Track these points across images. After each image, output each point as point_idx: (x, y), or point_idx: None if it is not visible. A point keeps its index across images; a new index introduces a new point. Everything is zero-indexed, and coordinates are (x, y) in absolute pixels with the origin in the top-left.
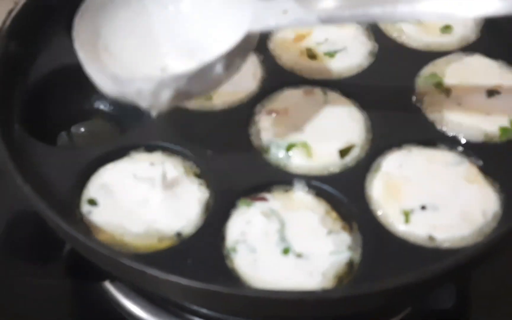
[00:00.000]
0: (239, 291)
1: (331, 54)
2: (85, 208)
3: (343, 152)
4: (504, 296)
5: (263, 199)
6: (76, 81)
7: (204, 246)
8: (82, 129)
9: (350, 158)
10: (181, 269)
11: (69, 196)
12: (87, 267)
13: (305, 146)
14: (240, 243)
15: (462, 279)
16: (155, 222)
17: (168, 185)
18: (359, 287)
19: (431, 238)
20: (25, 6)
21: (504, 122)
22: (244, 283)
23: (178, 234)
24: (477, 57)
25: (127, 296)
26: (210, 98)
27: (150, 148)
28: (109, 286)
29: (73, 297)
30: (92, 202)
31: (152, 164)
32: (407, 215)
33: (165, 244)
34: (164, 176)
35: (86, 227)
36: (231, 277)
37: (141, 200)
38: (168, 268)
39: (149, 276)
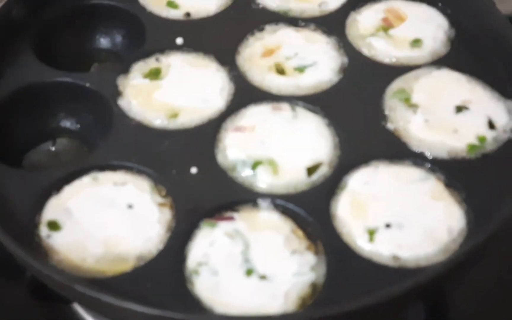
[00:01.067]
0: (194, 317)
1: (300, 69)
2: (45, 231)
3: (311, 170)
4: (478, 310)
5: (230, 218)
6: (42, 100)
7: (165, 269)
8: (51, 148)
9: (317, 176)
10: (140, 294)
11: (29, 219)
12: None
13: (271, 163)
14: (202, 265)
15: (430, 297)
16: (116, 245)
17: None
18: (317, 310)
19: (395, 257)
20: None
21: (472, 138)
22: (205, 307)
23: (139, 257)
24: (446, 71)
25: (96, 317)
26: (176, 115)
27: (114, 168)
28: (77, 307)
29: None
30: (52, 225)
31: (115, 184)
32: (371, 233)
33: (125, 267)
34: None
35: (45, 251)
36: (192, 301)
37: (102, 222)
38: (127, 293)
39: (104, 303)
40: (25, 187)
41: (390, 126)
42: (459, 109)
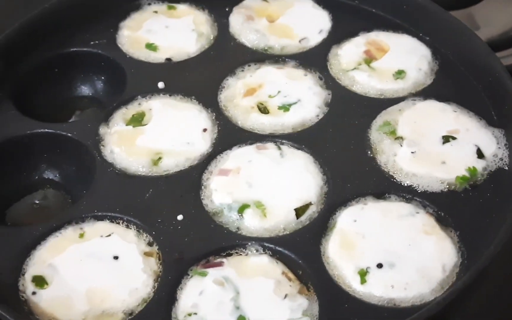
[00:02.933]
0: None
1: (285, 108)
2: (30, 288)
3: (299, 211)
4: None
5: (219, 264)
6: (23, 153)
7: None
8: (34, 202)
9: (306, 216)
10: None
11: (13, 277)
12: None
13: (259, 206)
14: (192, 315)
15: None
16: (103, 300)
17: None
18: None
19: (388, 298)
20: None
21: (461, 170)
22: None
23: (127, 310)
24: (430, 102)
25: None
26: (159, 160)
27: (98, 218)
28: None
29: None
30: (38, 281)
31: (100, 236)
32: (362, 275)
33: None
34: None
35: (30, 309)
36: None
37: (88, 276)
38: None
39: None
40: (8, 244)
41: (377, 160)
42: (446, 139)
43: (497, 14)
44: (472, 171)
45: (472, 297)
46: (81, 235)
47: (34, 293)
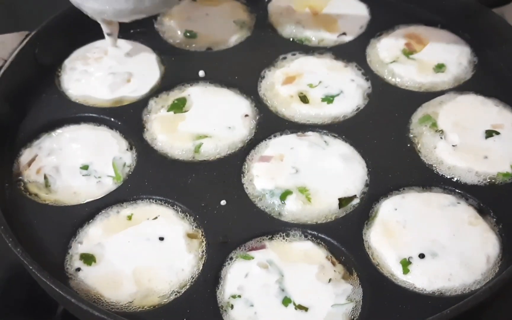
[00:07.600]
0: None
1: (329, 100)
2: (78, 265)
3: (343, 202)
4: None
5: (262, 247)
6: None
7: (199, 303)
8: None
9: (348, 204)
10: None
11: (62, 254)
12: None
13: (303, 191)
14: (236, 298)
15: None
16: (150, 279)
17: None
18: None
19: (431, 287)
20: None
21: (504, 166)
22: None
23: (173, 291)
24: (471, 95)
25: None
26: (201, 145)
27: (144, 201)
28: None
29: None
30: (87, 259)
31: (146, 217)
32: (405, 265)
33: (160, 300)
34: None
35: (78, 286)
36: None
37: (134, 256)
38: None
39: None
40: (57, 223)
41: (417, 152)
42: (490, 133)
43: None
44: None
45: None
46: (129, 217)
47: (79, 269)
